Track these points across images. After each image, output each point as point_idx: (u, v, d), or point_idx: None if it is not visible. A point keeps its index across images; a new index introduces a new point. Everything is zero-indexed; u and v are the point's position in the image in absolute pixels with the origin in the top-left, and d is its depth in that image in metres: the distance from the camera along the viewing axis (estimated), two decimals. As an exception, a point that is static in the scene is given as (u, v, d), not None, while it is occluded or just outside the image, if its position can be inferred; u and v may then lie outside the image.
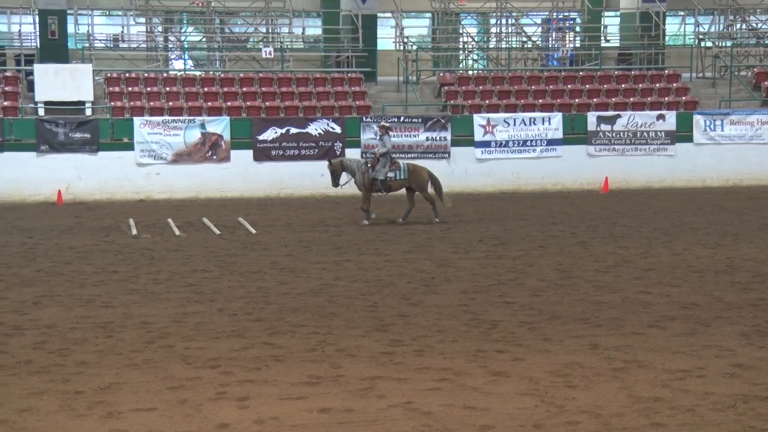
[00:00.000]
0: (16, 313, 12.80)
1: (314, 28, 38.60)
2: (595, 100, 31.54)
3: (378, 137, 22.54)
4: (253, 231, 21.09)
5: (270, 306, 13.26)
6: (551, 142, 29.88)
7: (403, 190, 22.67)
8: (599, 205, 25.91)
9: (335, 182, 22.57)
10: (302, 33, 37.81)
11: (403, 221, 22.16)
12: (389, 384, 9.51)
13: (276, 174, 28.72)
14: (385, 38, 36.47)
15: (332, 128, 28.98)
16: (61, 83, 29.07)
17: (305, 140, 28.84)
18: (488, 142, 29.69)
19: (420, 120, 29.42)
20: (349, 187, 23.03)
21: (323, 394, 9.20)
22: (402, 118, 29.40)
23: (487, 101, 31.21)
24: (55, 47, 30.79)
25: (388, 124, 23.26)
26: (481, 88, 31.93)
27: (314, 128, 28.96)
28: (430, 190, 22.40)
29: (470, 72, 34.27)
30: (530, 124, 29.84)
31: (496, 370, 9.99)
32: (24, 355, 10.61)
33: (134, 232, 21.02)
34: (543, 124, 29.90)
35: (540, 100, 31.36)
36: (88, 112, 29.36)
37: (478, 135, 29.64)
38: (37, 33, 32.02)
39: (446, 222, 22.05)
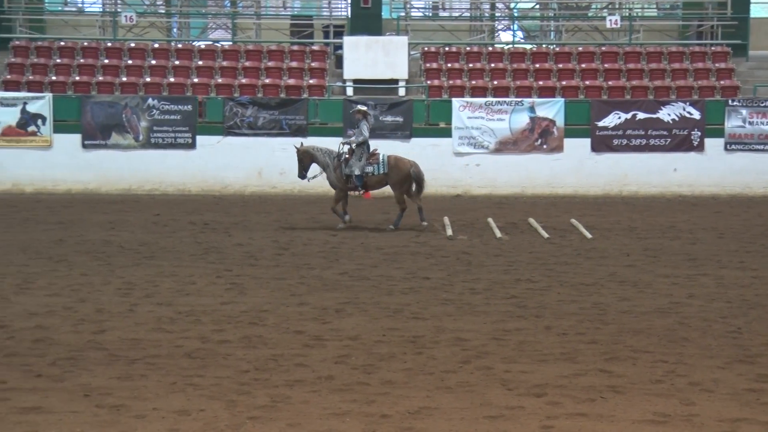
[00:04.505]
0: (317, 321, 13.43)
1: (671, -8, 37.97)
2: None
3: (358, 124, 21.89)
4: (589, 235, 21.05)
5: (607, 326, 13.19)
6: None
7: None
8: None
9: (302, 173, 22.41)
10: (655, -3, 37.29)
11: (394, 228, 22.01)
12: (755, 428, 9.22)
13: (618, 167, 28.50)
14: (761, 3, 35.28)
15: (689, 113, 28.41)
16: (373, 58, 30.12)
17: (655, 127, 28.48)
18: None
19: (801, 104, 28.34)
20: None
21: (671, 436, 9.07)
22: (778, 102, 28.43)
23: None
24: (367, 17, 31.88)
25: (365, 108, 22.87)
26: None
27: (667, 113, 28.52)
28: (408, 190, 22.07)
29: None
30: None
31: None
32: (325, 369, 11.10)
33: (449, 232, 21.52)
34: None
35: None
36: (401, 92, 30.30)
37: None
38: (349, 1, 33.34)
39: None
